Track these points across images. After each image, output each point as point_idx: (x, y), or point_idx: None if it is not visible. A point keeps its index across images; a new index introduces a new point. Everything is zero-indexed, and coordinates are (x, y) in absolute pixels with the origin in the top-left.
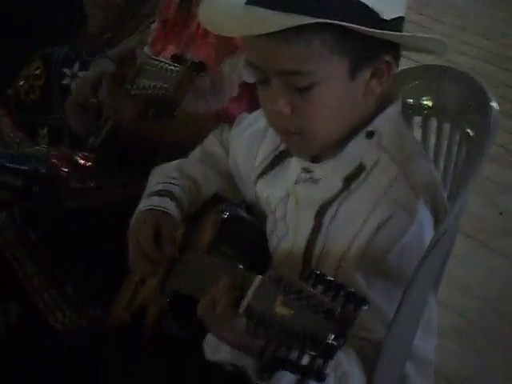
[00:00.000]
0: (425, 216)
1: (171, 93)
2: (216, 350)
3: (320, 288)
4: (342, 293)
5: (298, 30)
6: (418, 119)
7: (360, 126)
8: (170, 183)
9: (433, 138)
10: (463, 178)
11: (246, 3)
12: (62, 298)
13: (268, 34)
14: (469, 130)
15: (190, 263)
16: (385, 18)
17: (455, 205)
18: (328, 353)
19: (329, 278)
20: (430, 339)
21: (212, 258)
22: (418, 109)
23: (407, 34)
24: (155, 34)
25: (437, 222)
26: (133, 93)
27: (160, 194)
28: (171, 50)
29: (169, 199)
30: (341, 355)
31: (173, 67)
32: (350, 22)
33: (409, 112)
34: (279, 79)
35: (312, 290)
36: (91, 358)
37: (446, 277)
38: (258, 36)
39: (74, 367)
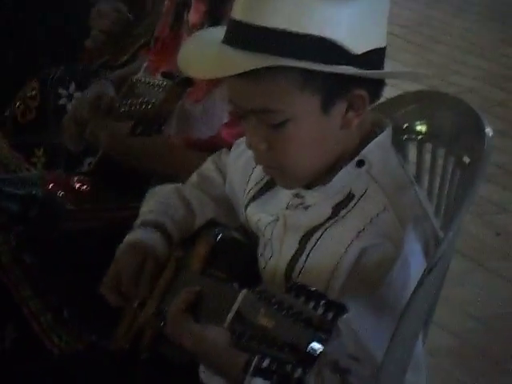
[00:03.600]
0: (412, 249)
1: (158, 107)
2: (212, 374)
3: (302, 298)
4: (322, 302)
5: (265, 69)
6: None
7: (349, 154)
8: (164, 212)
9: (428, 163)
10: (457, 205)
11: (222, 41)
12: (58, 322)
13: (237, 74)
14: (463, 156)
15: (184, 285)
16: (354, 52)
17: (449, 233)
18: (307, 361)
19: (310, 288)
20: (422, 372)
21: (205, 279)
22: (413, 134)
23: (374, 72)
24: (150, 55)
25: (428, 251)
26: (122, 110)
27: (152, 225)
28: (163, 69)
29: (159, 233)
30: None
31: (161, 83)
32: (316, 59)
33: (403, 137)
34: (253, 116)
35: (293, 300)
36: (88, 381)
37: (442, 297)
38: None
39: None
